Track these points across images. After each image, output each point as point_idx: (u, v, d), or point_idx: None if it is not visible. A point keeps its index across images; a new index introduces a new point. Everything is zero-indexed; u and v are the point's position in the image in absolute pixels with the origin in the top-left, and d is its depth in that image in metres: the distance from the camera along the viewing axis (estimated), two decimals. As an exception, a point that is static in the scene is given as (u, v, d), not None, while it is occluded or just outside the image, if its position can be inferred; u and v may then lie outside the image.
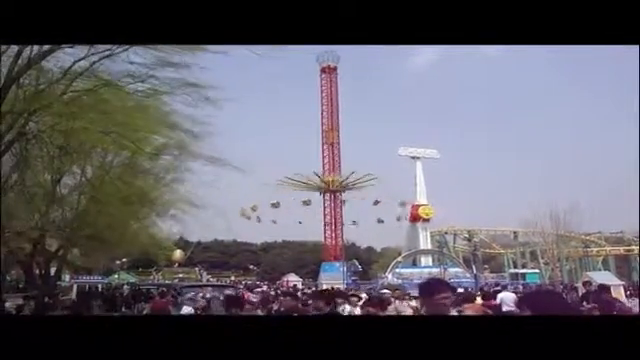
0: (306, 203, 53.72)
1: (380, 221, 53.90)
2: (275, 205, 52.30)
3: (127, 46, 8.24)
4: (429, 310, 2.89)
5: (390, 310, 6.74)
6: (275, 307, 8.51)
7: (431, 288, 2.92)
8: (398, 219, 54.00)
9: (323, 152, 56.76)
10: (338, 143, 56.99)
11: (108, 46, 8.20)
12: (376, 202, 53.44)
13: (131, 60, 8.83)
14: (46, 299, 13.04)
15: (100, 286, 28.04)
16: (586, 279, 16.26)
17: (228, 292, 15.15)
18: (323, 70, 57.96)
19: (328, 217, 55.82)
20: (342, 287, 28.31)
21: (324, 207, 55.99)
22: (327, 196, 56.09)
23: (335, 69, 58.02)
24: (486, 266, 55.69)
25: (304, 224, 54.49)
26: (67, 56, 8.46)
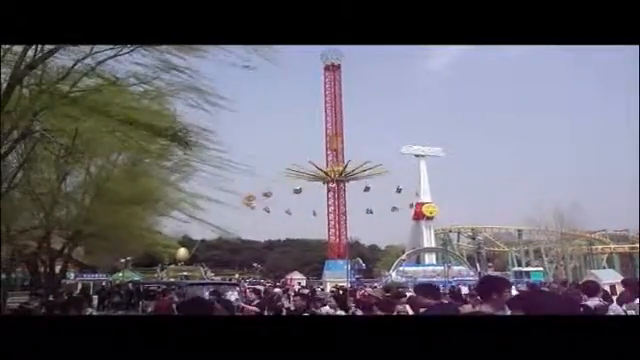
0: (297, 192, 53.57)
1: (369, 212, 53.86)
2: (267, 195, 52.17)
3: (131, 47, 8.26)
4: (492, 310, 2.80)
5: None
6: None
7: (491, 287, 2.86)
8: (411, 205, 53.59)
9: (327, 157, 56.44)
10: (342, 149, 56.38)
11: (112, 46, 8.22)
12: (367, 188, 53.34)
13: (136, 61, 8.84)
14: (51, 297, 13.13)
15: (104, 283, 28.26)
16: (590, 278, 16.20)
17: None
18: (327, 68, 57.53)
19: (332, 215, 55.73)
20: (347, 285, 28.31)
21: (327, 204, 55.90)
22: (330, 193, 55.96)
23: (339, 67, 57.63)
24: (490, 264, 55.47)
25: (307, 221, 54.58)
26: (71, 55, 8.48)
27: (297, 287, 24.87)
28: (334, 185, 55.26)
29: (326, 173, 54.57)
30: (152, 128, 9.54)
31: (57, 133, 9.95)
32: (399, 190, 52.78)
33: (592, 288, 6.19)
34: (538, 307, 2.04)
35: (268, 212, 53.42)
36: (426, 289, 4.54)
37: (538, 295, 2.59)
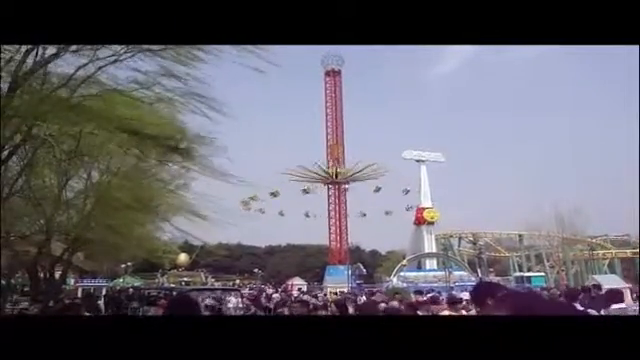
0: (306, 191, 53.67)
1: (362, 215, 54.47)
2: (274, 194, 52.29)
3: (132, 52, 8.28)
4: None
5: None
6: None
7: (485, 293, 2.86)
8: (407, 209, 54.00)
9: (328, 164, 56.34)
10: (343, 154, 56.41)
11: (113, 52, 8.24)
12: (377, 189, 53.64)
13: (136, 67, 8.87)
14: (50, 302, 13.08)
15: (105, 289, 28.19)
16: (594, 282, 16.18)
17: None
18: (327, 74, 57.66)
19: (333, 220, 55.66)
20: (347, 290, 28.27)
21: (328, 210, 55.82)
22: (332, 198, 55.89)
23: (339, 72, 57.77)
24: (491, 269, 55.42)
25: (308, 226, 54.65)
26: (72, 60, 8.51)
27: (296, 293, 24.88)
28: (334, 189, 55.28)
29: (328, 174, 54.54)
30: (151, 137, 9.54)
31: (59, 138, 9.97)
32: (406, 192, 53.22)
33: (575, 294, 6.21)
34: (526, 307, 2.02)
35: (263, 213, 53.55)
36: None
37: (525, 295, 2.57)
